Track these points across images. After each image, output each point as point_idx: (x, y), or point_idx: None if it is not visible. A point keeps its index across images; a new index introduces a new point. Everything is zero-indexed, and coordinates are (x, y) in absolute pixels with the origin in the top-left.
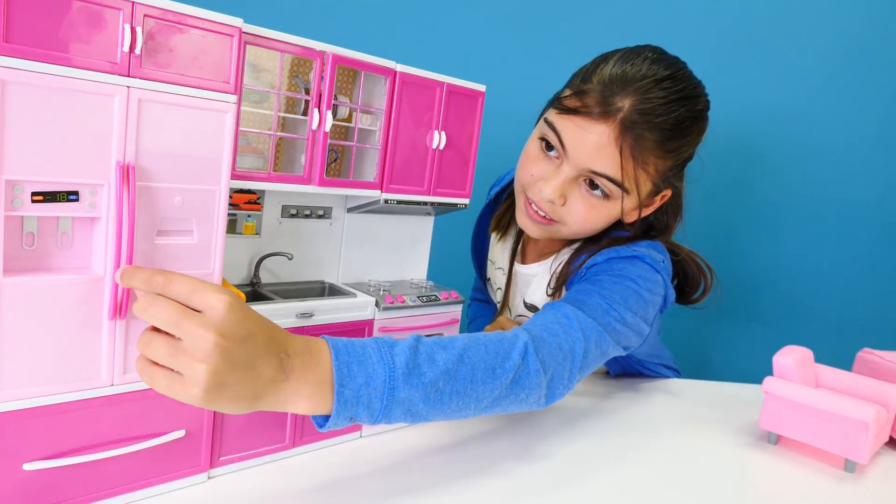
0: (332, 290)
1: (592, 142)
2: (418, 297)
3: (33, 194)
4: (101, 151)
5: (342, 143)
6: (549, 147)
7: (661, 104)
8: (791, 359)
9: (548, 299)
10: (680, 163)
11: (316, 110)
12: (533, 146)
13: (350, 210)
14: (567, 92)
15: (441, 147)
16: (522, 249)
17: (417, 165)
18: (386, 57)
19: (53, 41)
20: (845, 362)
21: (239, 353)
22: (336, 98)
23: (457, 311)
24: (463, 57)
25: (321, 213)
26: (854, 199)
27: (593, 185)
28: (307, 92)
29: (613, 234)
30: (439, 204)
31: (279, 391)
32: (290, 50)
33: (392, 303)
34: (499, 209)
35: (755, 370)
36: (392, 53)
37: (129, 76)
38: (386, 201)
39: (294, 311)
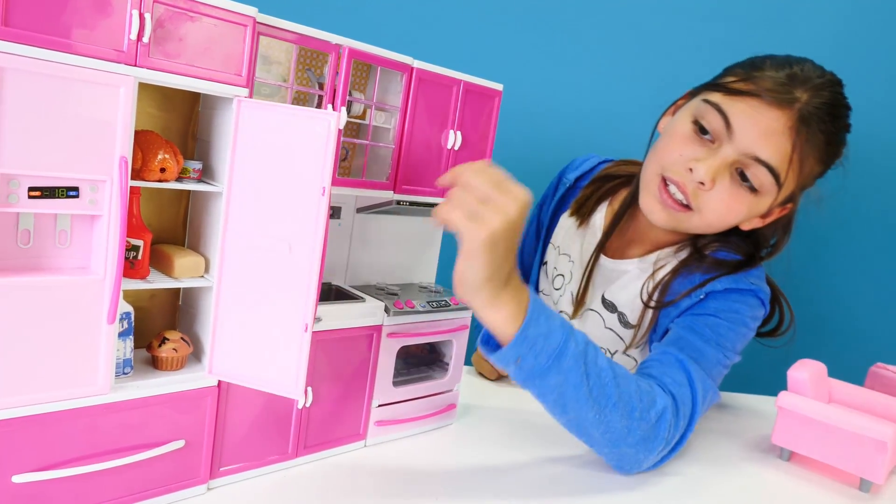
0: (339, 294)
1: (764, 126)
2: (428, 303)
3: (30, 189)
4: (103, 145)
5: (355, 140)
6: (704, 131)
7: (832, 107)
8: (806, 373)
9: (638, 306)
10: (820, 174)
11: (329, 106)
12: (683, 127)
13: (360, 210)
14: (731, 78)
15: (456, 147)
16: (608, 242)
17: (431, 166)
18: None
19: (56, 26)
20: (856, 376)
21: (511, 234)
22: (350, 94)
23: (466, 317)
24: (474, 55)
25: (330, 212)
26: (866, 209)
27: (743, 178)
28: (321, 87)
29: (721, 256)
30: None
31: (499, 291)
32: (305, 42)
33: (402, 308)
34: (579, 194)
35: (765, 381)
36: (401, 49)
37: (135, 66)
38: (398, 202)
39: None
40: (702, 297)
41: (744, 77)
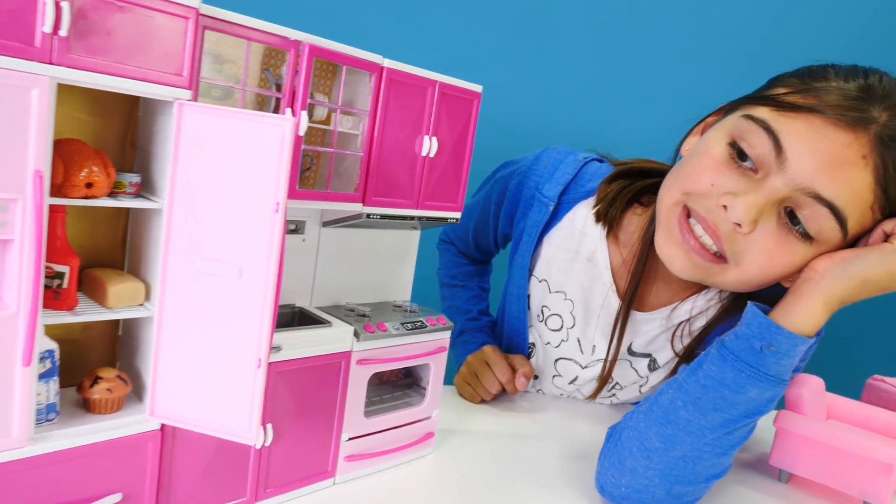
0: (303, 317)
1: (829, 153)
2: (402, 325)
3: None
4: (14, 158)
5: (318, 148)
6: (743, 157)
7: None
8: (805, 390)
9: (670, 353)
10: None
11: (289, 110)
12: (716, 148)
13: (326, 224)
14: (782, 89)
15: (432, 154)
16: (626, 286)
17: (405, 175)
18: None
19: None
20: (853, 388)
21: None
22: (312, 96)
23: (444, 338)
24: (451, 56)
25: (293, 227)
26: None
27: (793, 220)
28: (279, 88)
29: (769, 295)
30: (428, 219)
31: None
32: (258, 38)
33: (373, 332)
34: (597, 195)
35: None
36: (371, 49)
37: (51, 63)
38: (368, 216)
39: None
40: None
41: (801, 88)
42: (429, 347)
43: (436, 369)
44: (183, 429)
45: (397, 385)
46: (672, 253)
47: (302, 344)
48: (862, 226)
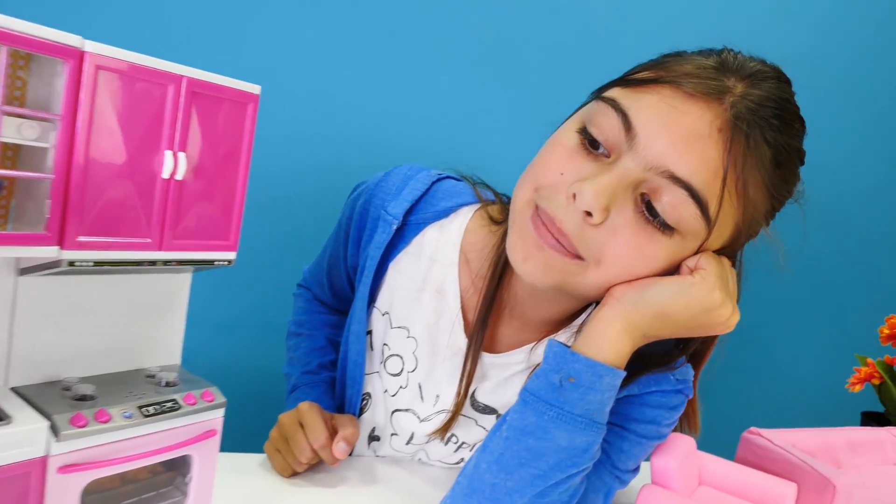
0: None
1: (682, 126)
2: (140, 409)
3: None
4: None
5: None
6: (594, 144)
7: (780, 107)
8: (673, 460)
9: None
10: (767, 213)
11: None
12: (565, 137)
13: (25, 272)
14: (638, 71)
15: (180, 176)
16: (487, 326)
17: (136, 205)
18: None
19: None
20: (728, 442)
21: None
22: None
23: (214, 419)
24: (231, 49)
25: None
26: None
27: (652, 212)
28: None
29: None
30: (180, 262)
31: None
32: None
33: (85, 424)
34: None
35: None
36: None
37: None
38: (72, 263)
39: None
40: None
41: (654, 66)
42: (187, 434)
43: (202, 461)
44: None
45: (150, 483)
46: (526, 254)
47: None
48: (728, 218)
